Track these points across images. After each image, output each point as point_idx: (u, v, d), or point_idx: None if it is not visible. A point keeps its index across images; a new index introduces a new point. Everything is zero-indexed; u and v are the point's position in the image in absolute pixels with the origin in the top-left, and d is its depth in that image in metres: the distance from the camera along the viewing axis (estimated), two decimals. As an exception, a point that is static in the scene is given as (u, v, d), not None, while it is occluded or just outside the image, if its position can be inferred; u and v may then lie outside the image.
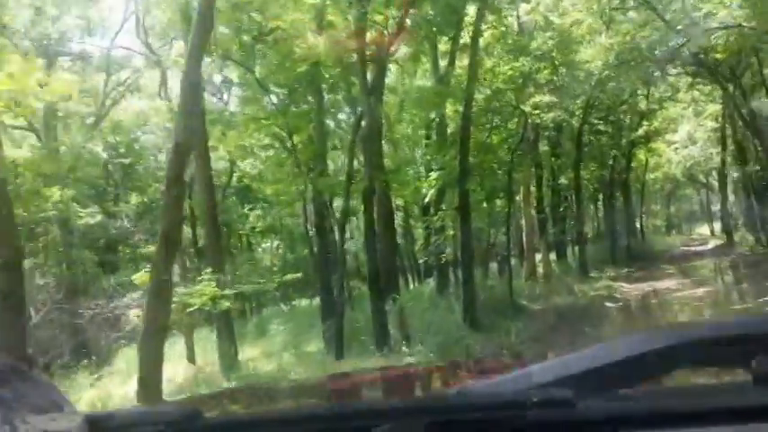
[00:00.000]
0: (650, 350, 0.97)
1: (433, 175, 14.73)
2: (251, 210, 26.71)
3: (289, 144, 13.43)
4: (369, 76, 12.20)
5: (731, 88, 18.83)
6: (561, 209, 26.00)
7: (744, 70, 18.57)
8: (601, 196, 31.03)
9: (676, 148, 34.40)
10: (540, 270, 22.52)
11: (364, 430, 0.94)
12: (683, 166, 37.23)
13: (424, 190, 15.59)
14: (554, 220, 25.81)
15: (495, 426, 0.93)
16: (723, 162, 28.60)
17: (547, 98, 18.04)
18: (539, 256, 22.98)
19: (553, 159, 25.15)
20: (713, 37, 13.53)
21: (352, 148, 11.45)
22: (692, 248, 33.48)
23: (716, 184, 40.01)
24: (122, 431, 0.94)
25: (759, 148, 21.38)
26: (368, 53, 11.61)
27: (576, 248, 24.45)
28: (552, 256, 24.98)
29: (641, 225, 37.67)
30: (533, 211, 23.43)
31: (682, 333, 1.07)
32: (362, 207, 11.78)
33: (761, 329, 1.03)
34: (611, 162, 28.40)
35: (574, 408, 0.90)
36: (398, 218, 27.94)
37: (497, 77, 14.82)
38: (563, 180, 25.63)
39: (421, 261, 22.46)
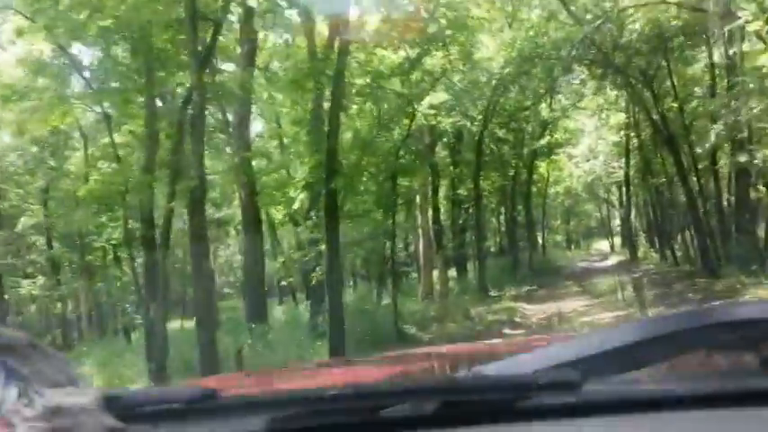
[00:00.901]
0: (657, 335, 0.98)
1: (298, 175, 12.07)
2: (110, 219, 23.05)
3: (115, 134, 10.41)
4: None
5: (641, 88, 17.23)
6: (461, 221, 24.00)
7: (656, 71, 17.00)
8: (503, 209, 29.39)
9: (577, 162, 33.52)
10: (438, 288, 20.40)
11: (375, 410, 0.94)
12: (585, 181, 36.56)
13: (291, 193, 12.85)
14: (453, 233, 23.84)
15: (502, 407, 0.93)
16: (627, 176, 27.49)
17: (443, 96, 15.89)
18: (437, 273, 20.84)
19: (452, 168, 23.12)
20: (626, 29, 11.67)
21: (179, 133, 8.59)
22: (595, 264, 32.44)
23: (616, 199, 39.66)
24: (138, 408, 0.92)
25: (666, 160, 20.03)
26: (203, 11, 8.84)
27: (477, 263, 22.41)
28: (452, 272, 23.00)
29: (543, 240, 36.60)
30: (431, 223, 21.27)
31: (689, 317, 1.07)
32: (187, 213, 8.85)
33: None
34: (512, 173, 26.75)
35: (580, 391, 0.91)
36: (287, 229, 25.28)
37: (381, 62, 12.34)
38: (462, 191, 23.57)
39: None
